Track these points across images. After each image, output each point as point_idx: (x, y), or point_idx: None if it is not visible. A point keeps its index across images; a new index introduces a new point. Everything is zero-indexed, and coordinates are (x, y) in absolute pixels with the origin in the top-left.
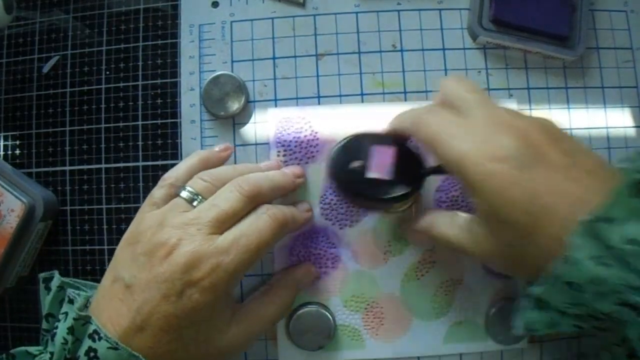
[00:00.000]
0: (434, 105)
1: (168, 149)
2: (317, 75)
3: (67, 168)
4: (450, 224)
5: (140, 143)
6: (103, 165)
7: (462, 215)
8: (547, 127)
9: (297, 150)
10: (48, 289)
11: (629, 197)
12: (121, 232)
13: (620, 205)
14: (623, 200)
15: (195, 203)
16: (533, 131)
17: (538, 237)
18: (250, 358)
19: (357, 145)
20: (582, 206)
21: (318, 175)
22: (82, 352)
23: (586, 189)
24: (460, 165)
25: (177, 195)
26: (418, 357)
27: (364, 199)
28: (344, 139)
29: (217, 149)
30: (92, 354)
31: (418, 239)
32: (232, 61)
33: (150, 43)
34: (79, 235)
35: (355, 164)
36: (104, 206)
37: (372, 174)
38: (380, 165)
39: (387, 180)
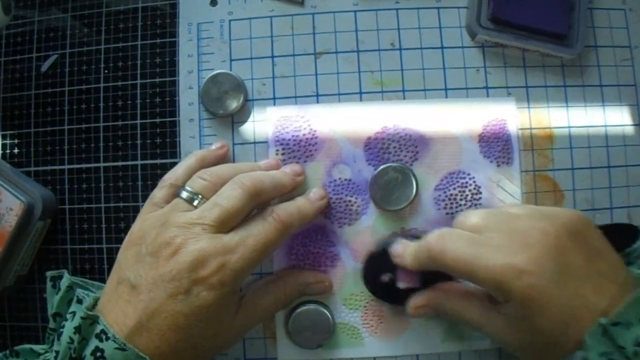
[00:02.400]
0: (443, 232)
1: (167, 147)
2: (316, 74)
3: (66, 167)
4: (467, 303)
5: (139, 142)
6: (102, 164)
7: (479, 295)
8: (575, 228)
9: (296, 148)
10: (56, 287)
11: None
12: (120, 231)
13: (634, 311)
14: (636, 307)
15: (195, 203)
16: (561, 236)
17: (563, 341)
18: (249, 356)
19: (385, 257)
20: (605, 315)
21: (317, 173)
22: (88, 352)
23: (610, 300)
24: (498, 282)
25: (178, 195)
26: (417, 355)
27: (402, 305)
28: (371, 252)
29: (213, 147)
30: (98, 354)
31: (423, 314)
32: (231, 60)
33: (148, 42)
34: (77, 234)
35: (385, 277)
36: (102, 205)
37: (401, 284)
38: (408, 275)
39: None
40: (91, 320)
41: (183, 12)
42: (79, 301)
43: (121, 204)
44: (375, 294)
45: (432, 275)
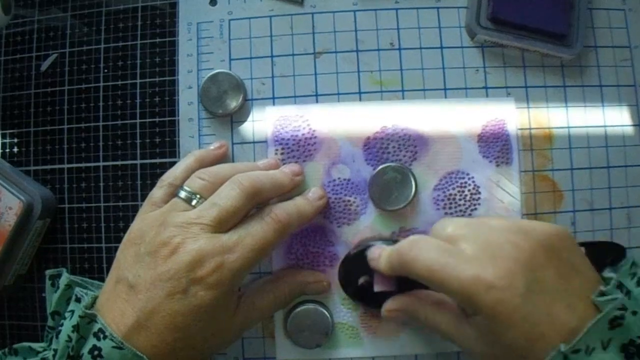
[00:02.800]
0: (415, 238)
1: (166, 147)
2: (315, 74)
3: (65, 166)
4: (438, 311)
5: (138, 141)
6: (101, 163)
7: (451, 305)
8: (551, 244)
9: (295, 148)
10: (55, 286)
11: (605, 329)
12: (119, 230)
13: (596, 337)
14: (599, 332)
15: (193, 202)
16: (535, 251)
17: (531, 358)
18: (248, 355)
19: (362, 259)
20: (573, 335)
21: (316, 173)
22: (86, 350)
23: (580, 320)
24: (467, 294)
25: (176, 195)
26: (415, 355)
27: (377, 308)
28: (349, 253)
29: (212, 146)
30: (96, 353)
31: (396, 317)
32: (230, 59)
33: (148, 41)
34: (77, 234)
35: (362, 279)
36: (102, 204)
37: (378, 287)
38: (384, 279)
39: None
40: (89, 318)
41: (183, 12)
42: (78, 300)
43: (120, 203)
44: (351, 296)
45: (409, 281)
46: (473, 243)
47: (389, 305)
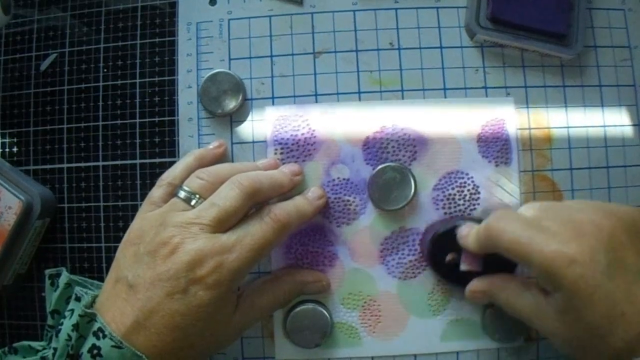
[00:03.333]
0: (503, 211)
1: (165, 146)
2: (315, 73)
3: (65, 166)
4: (521, 294)
5: (137, 141)
6: (101, 163)
7: (534, 287)
8: (633, 225)
9: (295, 148)
10: (54, 285)
11: None
12: (119, 230)
13: None
14: None
15: (193, 202)
16: (617, 231)
17: (611, 338)
18: (247, 355)
19: (451, 237)
20: None
21: (315, 172)
22: (85, 349)
23: None
24: (549, 268)
25: (175, 195)
26: (415, 355)
27: (461, 286)
28: (437, 230)
29: (211, 146)
30: (95, 352)
31: (478, 298)
32: (230, 59)
33: (147, 41)
34: (76, 233)
35: (449, 257)
36: (101, 204)
37: (464, 266)
38: (471, 258)
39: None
40: (89, 318)
41: (182, 11)
42: (77, 299)
43: (120, 203)
44: (438, 272)
45: (495, 264)
46: (557, 221)
47: (474, 285)
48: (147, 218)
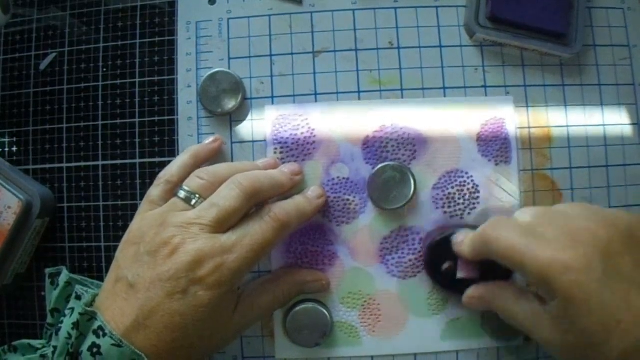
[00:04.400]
0: (498, 218)
1: (165, 146)
2: (314, 73)
3: (65, 165)
4: (517, 301)
5: (137, 140)
6: (100, 162)
7: (530, 295)
8: (630, 232)
9: (294, 147)
10: (54, 284)
11: None
12: (118, 229)
13: None
14: None
15: (193, 202)
16: (613, 239)
17: (607, 347)
18: (247, 354)
19: (447, 245)
20: None
21: (315, 172)
22: (85, 347)
23: None
24: (544, 275)
25: (175, 194)
26: (415, 354)
27: (458, 294)
28: (434, 239)
29: (206, 141)
30: (95, 350)
31: (475, 305)
32: (229, 58)
33: (147, 40)
34: (76, 233)
35: (446, 265)
36: (101, 203)
37: (461, 274)
38: (467, 265)
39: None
40: (89, 316)
41: (182, 11)
42: (78, 297)
43: (119, 202)
44: (435, 280)
45: (491, 271)
46: (552, 228)
47: (471, 292)
48: (146, 218)
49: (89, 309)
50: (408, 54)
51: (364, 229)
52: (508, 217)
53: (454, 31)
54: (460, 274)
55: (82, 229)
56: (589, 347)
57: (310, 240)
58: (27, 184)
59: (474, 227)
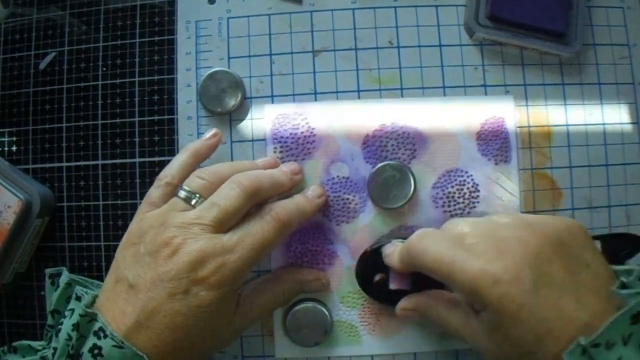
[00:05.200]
0: (425, 230)
1: (165, 145)
2: (314, 72)
3: (64, 164)
4: (450, 311)
5: (136, 139)
6: (100, 162)
7: (463, 304)
8: (559, 239)
9: (294, 146)
10: (55, 285)
11: (626, 324)
12: (118, 229)
13: (617, 331)
14: (620, 327)
15: (193, 202)
16: (543, 246)
17: (540, 355)
18: (247, 354)
19: (379, 257)
20: (586, 330)
21: (315, 171)
22: (86, 349)
23: (591, 315)
24: (473, 288)
25: (175, 194)
26: (414, 354)
27: (392, 306)
28: (366, 250)
29: (205, 136)
30: (96, 352)
31: (409, 317)
32: (229, 57)
33: (146, 39)
34: (75, 232)
35: (378, 277)
36: (100, 202)
37: (393, 285)
38: (399, 276)
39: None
40: (89, 317)
41: (181, 10)
42: (78, 298)
43: (119, 202)
44: (367, 293)
45: (423, 280)
46: (481, 239)
47: (403, 304)
48: (146, 218)
49: (89, 310)
50: (408, 53)
51: (363, 228)
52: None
53: (453, 30)
54: (392, 286)
55: (81, 228)
56: (523, 356)
57: (310, 239)
58: (27, 184)
59: (404, 238)
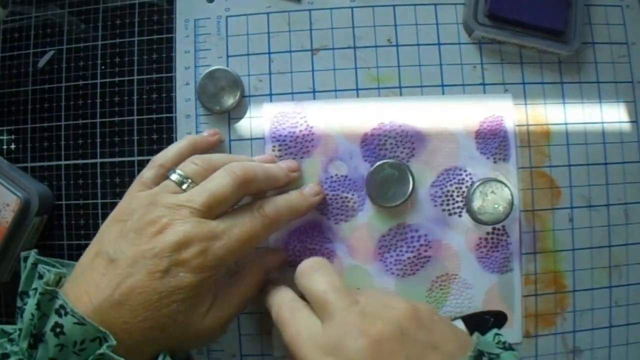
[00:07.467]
0: (297, 302)
1: (163, 143)
2: (313, 70)
3: (63, 163)
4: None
5: (135, 138)
6: (98, 160)
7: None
8: (399, 328)
9: (293, 145)
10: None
11: None
12: None
13: None
14: None
15: (184, 186)
16: (382, 341)
17: None
18: (245, 352)
19: None
20: None
21: (313, 169)
22: (48, 327)
23: None
24: None
25: (167, 177)
26: None
27: None
28: None
29: (205, 133)
30: (58, 330)
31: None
32: (228, 56)
33: (145, 38)
34: (74, 230)
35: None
36: (99, 201)
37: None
38: None
39: None
40: (50, 295)
41: (180, 8)
42: (40, 277)
43: (117, 200)
44: None
45: None
46: (329, 329)
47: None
48: (137, 197)
49: (48, 287)
50: (406, 51)
51: (362, 226)
52: None
53: (452, 29)
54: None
55: (80, 227)
56: None
57: (308, 237)
58: (25, 182)
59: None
